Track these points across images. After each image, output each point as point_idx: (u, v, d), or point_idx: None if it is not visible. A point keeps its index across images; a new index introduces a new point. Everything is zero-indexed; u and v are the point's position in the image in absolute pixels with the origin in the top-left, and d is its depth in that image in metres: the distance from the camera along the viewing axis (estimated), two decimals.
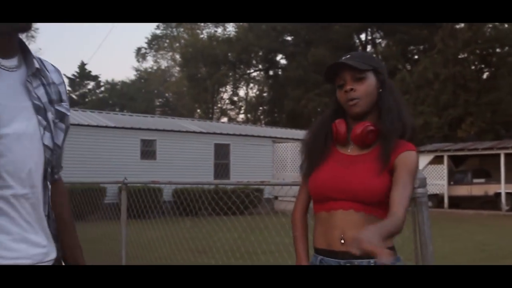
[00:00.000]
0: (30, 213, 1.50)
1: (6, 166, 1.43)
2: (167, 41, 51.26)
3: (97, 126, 19.03)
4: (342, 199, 1.98)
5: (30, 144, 1.50)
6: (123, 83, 51.07)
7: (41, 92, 1.58)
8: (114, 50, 78.94)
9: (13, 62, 1.54)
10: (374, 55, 2.61)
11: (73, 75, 48.56)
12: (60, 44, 69.47)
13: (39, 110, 1.55)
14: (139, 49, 51.87)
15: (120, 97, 48.93)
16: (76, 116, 19.75)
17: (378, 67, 2.07)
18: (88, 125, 18.77)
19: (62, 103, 1.67)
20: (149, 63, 54.14)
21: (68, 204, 1.81)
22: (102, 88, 51.03)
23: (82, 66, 49.07)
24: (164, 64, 51.17)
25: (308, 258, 2.12)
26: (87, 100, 48.17)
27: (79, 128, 18.23)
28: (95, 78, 49.83)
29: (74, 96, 47.52)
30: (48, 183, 1.60)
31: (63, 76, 1.76)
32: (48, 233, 1.57)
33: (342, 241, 1.96)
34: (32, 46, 67.55)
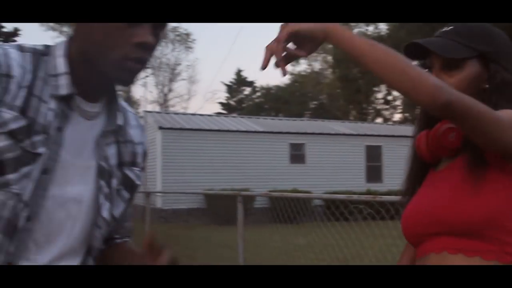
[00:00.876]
0: None
1: (35, 234, 1.13)
2: None
3: (246, 131, 19.31)
4: (430, 236, 1.38)
5: (77, 213, 1.20)
6: (278, 87, 51.98)
7: (112, 151, 1.27)
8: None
9: (95, 108, 1.23)
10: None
11: (230, 82, 50.43)
12: (216, 52, 72.53)
13: (103, 174, 1.24)
14: None
15: (275, 101, 49.87)
16: (226, 122, 20.27)
17: (489, 51, 1.40)
18: (237, 131, 19.11)
19: (134, 168, 1.34)
20: (302, 66, 54.48)
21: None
22: (259, 93, 52.42)
23: (239, 73, 50.83)
24: (317, 66, 51.22)
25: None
26: (244, 105, 49.76)
27: (228, 134, 18.65)
28: (251, 83, 51.34)
29: (232, 102, 49.39)
30: (92, 259, 1.27)
31: (145, 135, 1.43)
32: None
33: None
34: (190, 57, 71.96)
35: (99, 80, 1.18)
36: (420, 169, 1.52)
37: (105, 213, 1.25)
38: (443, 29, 1.44)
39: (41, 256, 1.14)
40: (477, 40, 1.40)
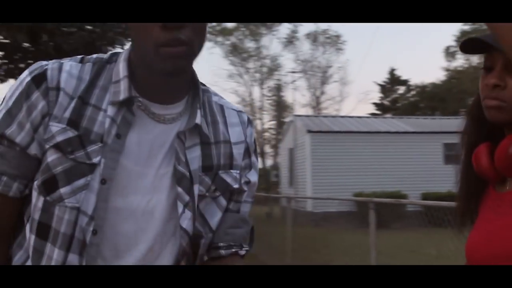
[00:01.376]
0: None
1: (103, 249, 1.09)
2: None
3: (396, 132, 18.79)
4: None
5: (148, 225, 1.12)
6: (433, 85, 49.84)
7: (194, 154, 1.17)
8: (422, 52, 77.88)
9: (172, 109, 1.16)
10: None
11: (384, 81, 49.35)
12: (366, 52, 71.33)
13: (182, 180, 1.14)
14: (447, 48, 50.28)
15: (430, 99, 47.88)
16: (375, 123, 19.89)
17: None
18: (387, 132, 18.67)
19: (232, 170, 1.23)
20: (459, 61, 51.67)
21: None
22: (413, 92, 50.70)
23: (392, 72, 49.59)
24: (475, 60, 48.27)
25: None
26: (398, 105, 48.43)
27: (378, 136, 18.29)
28: (405, 82, 49.82)
29: (386, 102, 48.32)
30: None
31: (252, 131, 1.31)
32: None
33: None
34: (341, 58, 71.23)
35: (154, 78, 1.12)
36: (478, 185, 1.37)
37: (185, 224, 1.14)
38: None
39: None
40: None
